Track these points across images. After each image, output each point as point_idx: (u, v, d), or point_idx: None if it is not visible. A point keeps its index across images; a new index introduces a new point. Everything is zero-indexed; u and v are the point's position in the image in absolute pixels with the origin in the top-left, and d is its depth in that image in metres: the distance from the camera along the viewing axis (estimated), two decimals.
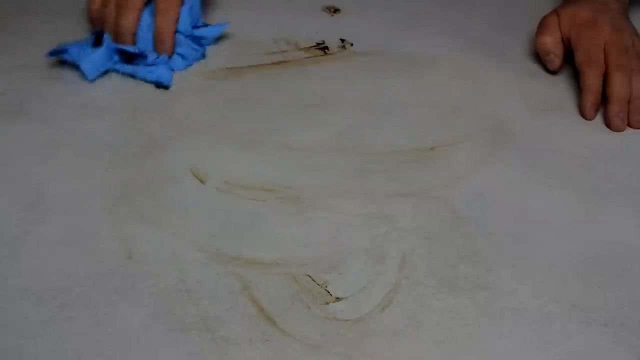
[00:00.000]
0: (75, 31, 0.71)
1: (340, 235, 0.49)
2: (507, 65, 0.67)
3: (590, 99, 0.60)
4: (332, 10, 0.76)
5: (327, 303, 0.44)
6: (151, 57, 0.63)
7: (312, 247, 0.48)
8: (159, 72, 0.63)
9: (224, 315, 0.43)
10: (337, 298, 0.44)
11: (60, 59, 0.64)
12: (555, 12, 0.66)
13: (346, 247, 0.48)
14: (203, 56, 0.67)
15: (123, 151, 0.56)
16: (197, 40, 0.67)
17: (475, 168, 0.55)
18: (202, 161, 0.55)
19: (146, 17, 0.64)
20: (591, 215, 0.51)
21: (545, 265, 0.47)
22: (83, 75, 0.62)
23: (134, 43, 0.64)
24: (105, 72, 0.64)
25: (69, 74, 0.65)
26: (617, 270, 0.47)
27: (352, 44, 0.70)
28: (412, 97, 0.63)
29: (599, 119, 0.61)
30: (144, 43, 0.64)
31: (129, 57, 0.64)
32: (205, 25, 0.68)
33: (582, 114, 0.61)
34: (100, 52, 0.62)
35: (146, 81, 0.63)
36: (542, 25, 0.66)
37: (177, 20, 0.65)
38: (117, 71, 0.64)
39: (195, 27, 0.67)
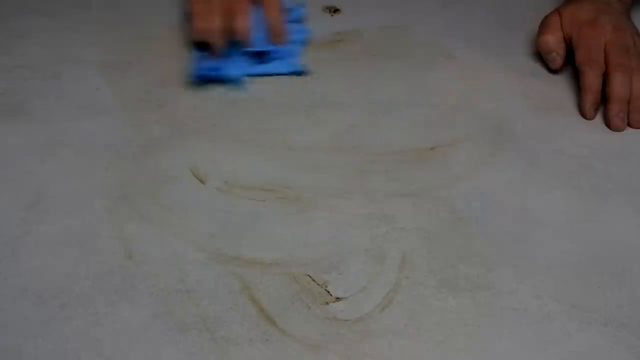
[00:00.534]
0: (76, 31, 0.72)
1: (340, 235, 0.49)
2: (507, 65, 0.67)
3: (590, 98, 0.60)
4: (332, 10, 0.76)
5: (327, 303, 0.44)
6: (273, 52, 0.65)
7: (312, 247, 0.48)
8: (290, 63, 0.66)
9: (224, 315, 0.43)
10: (337, 298, 0.45)
11: (203, 80, 0.63)
12: (557, 11, 0.66)
13: (346, 247, 0.48)
14: (307, 36, 0.69)
15: (123, 151, 0.56)
16: (296, 23, 0.69)
17: (475, 168, 0.55)
18: (202, 161, 0.55)
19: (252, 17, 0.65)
20: (591, 215, 0.51)
21: (545, 265, 0.47)
22: (235, 84, 0.63)
23: (252, 45, 0.64)
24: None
25: (69, 74, 0.65)
26: (617, 270, 0.47)
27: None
28: (412, 97, 0.63)
29: (599, 118, 0.61)
30: (257, 42, 0.65)
31: (254, 58, 0.65)
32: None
33: (582, 113, 0.61)
34: (237, 58, 0.64)
35: (282, 74, 0.65)
36: (544, 25, 0.66)
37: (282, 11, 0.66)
38: (250, 75, 0.64)
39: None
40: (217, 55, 0.63)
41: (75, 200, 0.51)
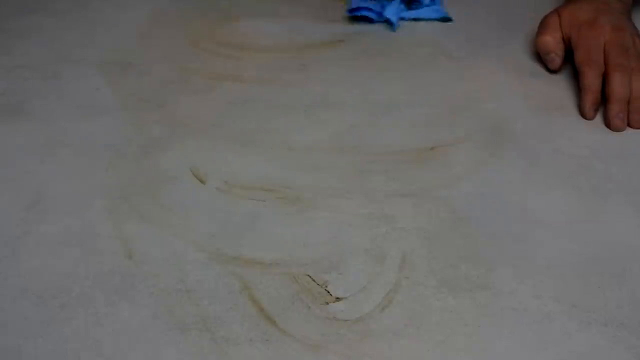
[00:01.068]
0: (76, 31, 0.72)
1: (340, 235, 0.49)
2: (507, 65, 0.67)
3: (590, 98, 0.60)
4: None
5: (327, 303, 0.44)
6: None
7: (312, 247, 0.48)
8: (436, 10, 0.74)
9: (224, 315, 0.43)
10: (337, 298, 0.44)
11: (359, 16, 0.72)
12: (557, 11, 0.66)
13: (346, 247, 0.48)
14: None
15: (123, 151, 0.56)
16: None
17: (475, 168, 0.55)
18: (202, 161, 0.55)
19: None
20: (591, 215, 0.51)
21: (545, 265, 0.47)
22: (390, 27, 0.72)
23: None
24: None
25: (69, 74, 0.65)
26: (617, 270, 0.47)
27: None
28: (413, 97, 0.63)
29: (599, 118, 0.61)
30: None
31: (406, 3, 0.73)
32: None
33: (582, 113, 0.61)
34: (395, 2, 0.72)
35: (431, 19, 0.73)
36: (543, 25, 0.66)
37: None
38: (403, 18, 0.73)
39: None
40: None
41: (75, 200, 0.51)
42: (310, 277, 0.46)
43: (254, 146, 0.57)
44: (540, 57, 0.67)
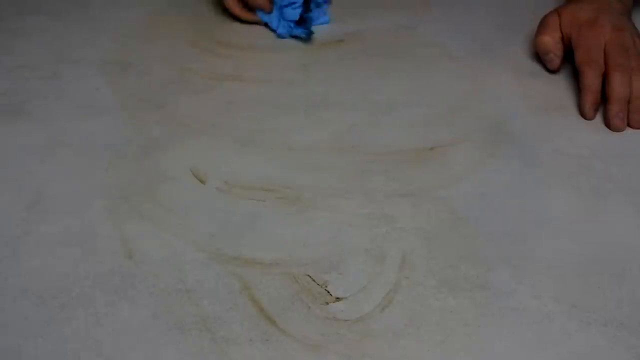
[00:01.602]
0: (76, 31, 0.72)
1: (340, 235, 0.49)
2: (507, 65, 0.67)
3: (590, 98, 0.60)
4: None
5: (327, 303, 0.44)
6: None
7: (312, 247, 0.48)
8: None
9: (224, 315, 0.43)
10: (337, 298, 0.45)
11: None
12: (557, 11, 0.66)
13: (346, 247, 0.48)
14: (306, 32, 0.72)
15: (123, 151, 0.56)
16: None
17: (475, 168, 0.55)
18: (202, 161, 0.55)
19: None
20: (591, 215, 0.51)
21: (545, 265, 0.47)
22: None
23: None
24: None
25: (69, 74, 0.65)
26: (617, 270, 0.47)
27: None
28: (412, 97, 0.63)
29: (599, 118, 0.61)
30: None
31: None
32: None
33: (582, 113, 0.61)
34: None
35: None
36: (542, 25, 0.66)
37: None
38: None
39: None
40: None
41: (75, 200, 0.51)
42: (310, 277, 0.46)
43: (254, 146, 0.57)
44: (540, 57, 0.67)
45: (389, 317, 0.43)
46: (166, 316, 0.43)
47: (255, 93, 0.63)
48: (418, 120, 0.60)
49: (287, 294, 0.45)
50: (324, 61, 0.68)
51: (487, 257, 0.47)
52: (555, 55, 0.65)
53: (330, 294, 0.45)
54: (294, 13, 0.70)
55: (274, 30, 0.72)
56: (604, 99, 0.61)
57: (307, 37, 0.70)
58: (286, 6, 0.70)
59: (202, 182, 0.53)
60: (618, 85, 0.59)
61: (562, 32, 0.65)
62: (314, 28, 0.72)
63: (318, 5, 0.74)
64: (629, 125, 0.60)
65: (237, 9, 0.73)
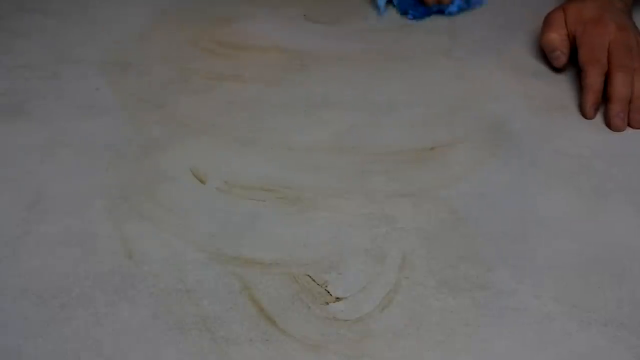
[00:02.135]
0: (76, 31, 0.72)
1: (340, 235, 0.49)
2: (507, 65, 0.67)
3: (591, 98, 0.60)
4: None
5: (327, 303, 0.44)
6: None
7: (312, 247, 0.48)
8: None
9: (224, 315, 0.43)
10: (337, 298, 0.44)
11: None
12: (562, 8, 0.66)
13: (346, 247, 0.48)
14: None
15: (123, 151, 0.56)
16: None
17: (475, 168, 0.55)
18: (202, 161, 0.55)
19: None
20: (591, 215, 0.51)
21: (545, 265, 0.47)
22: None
23: None
24: None
25: (69, 74, 0.65)
26: (617, 270, 0.47)
27: None
28: (412, 97, 0.63)
29: (599, 118, 0.61)
30: None
31: None
32: None
33: (583, 113, 0.61)
34: None
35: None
36: (548, 22, 0.66)
37: None
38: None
39: None
40: None
41: (75, 200, 0.51)
42: (310, 277, 0.46)
43: (254, 146, 0.57)
44: (541, 56, 0.67)
45: (389, 317, 0.43)
46: (166, 316, 0.43)
47: (255, 93, 0.63)
48: (418, 120, 0.60)
49: (287, 294, 0.45)
50: (324, 61, 0.68)
51: (487, 257, 0.47)
52: (562, 52, 0.65)
53: (330, 294, 0.45)
54: None
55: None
56: (604, 99, 0.61)
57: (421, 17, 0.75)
58: None
59: (202, 182, 0.53)
60: (620, 86, 0.59)
61: (567, 30, 0.64)
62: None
63: None
64: (629, 125, 0.60)
65: None
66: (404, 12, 0.75)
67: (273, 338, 0.42)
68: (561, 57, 0.65)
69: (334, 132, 0.59)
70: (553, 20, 0.65)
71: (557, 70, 0.66)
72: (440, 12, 0.75)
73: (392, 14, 0.76)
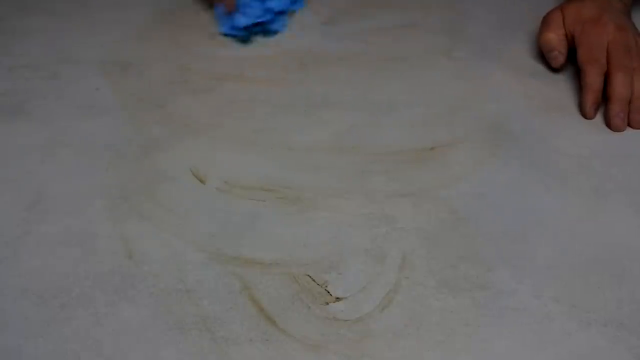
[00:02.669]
0: (76, 31, 0.72)
1: (340, 235, 0.49)
2: (507, 65, 0.67)
3: (591, 97, 0.60)
4: None
5: (327, 303, 0.44)
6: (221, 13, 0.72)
7: (312, 247, 0.48)
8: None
9: (224, 315, 0.43)
10: (337, 298, 0.45)
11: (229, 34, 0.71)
12: (560, 8, 0.66)
13: (346, 247, 0.48)
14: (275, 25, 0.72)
15: (123, 151, 0.56)
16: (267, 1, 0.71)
17: (475, 168, 0.55)
18: (202, 161, 0.55)
19: None
20: (591, 215, 0.51)
21: (545, 265, 0.47)
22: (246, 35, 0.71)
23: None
24: None
25: (69, 74, 0.65)
26: (617, 270, 0.47)
27: None
28: (412, 97, 0.63)
29: (599, 118, 0.61)
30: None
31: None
32: None
33: (582, 112, 0.61)
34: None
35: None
36: (546, 22, 0.66)
37: None
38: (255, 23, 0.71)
39: None
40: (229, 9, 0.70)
41: (75, 200, 0.51)
42: (310, 277, 0.46)
43: (254, 146, 0.57)
44: (540, 56, 0.67)
45: (389, 317, 0.43)
46: (166, 316, 0.43)
47: (255, 93, 0.63)
48: (418, 120, 0.60)
49: (287, 294, 0.45)
50: (324, 61, 0.68)
51: (487, 257, 0.47)
52: (559, 52, 0.64)
53: (330, 294, 0.45)
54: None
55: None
56: (603, 99, 0.61)
57: (245, 39, 0.70)
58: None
59: (202, 182, 0.53)
60: (620, 86, 0.59)
61: (565, 30, 0.64)
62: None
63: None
64: (629, 125, 0.60)
65: None
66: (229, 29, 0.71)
67: (273, 338, 0.42)
68: (559, 57, 0.65)
69: (334, 132, 0.59)
70: (551, 20, 0.65)
71: (555, 70, 0.66)
72: (260, 24, 0.71)
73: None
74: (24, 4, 0.75)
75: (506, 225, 0.50)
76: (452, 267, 0.47)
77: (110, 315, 0.43)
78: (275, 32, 0.72)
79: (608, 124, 0.60)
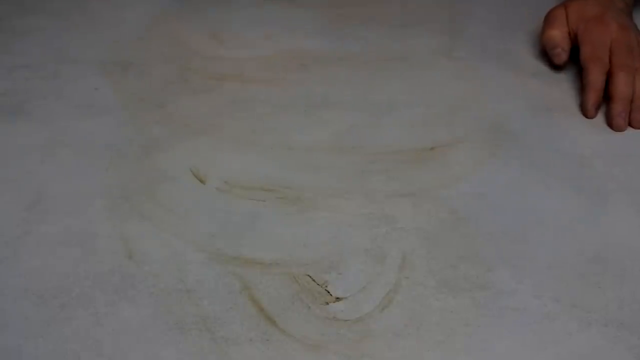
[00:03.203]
0: (76, 31, 0.72)
1: (340, 235, 0.49)
2: (507, 65, 0.67)
3: (593, 96, 0.60)
4: None
5: (327, 303, 0.44)
6: None
7: (312, 247, 0.48)
8: None
9: (224, 315, 0.43)
10: (337, 298, 0.44)
11: None
12: (563, 5, 0.66)
13: (346, 247, 0.48)
14: None
15: (123, 151, 0.56)
16: None
17: (475, 168, 0.55)
18: (202, 161, 0.55)
19: None
20: (591, 215, 0.51)
21: (545, 265, 0.47)
22: None
23: None
24: None
25: (69, 74, 0.65)
26: (617, 270, 0.47)
27: None
28: (412, 97, 0.63)
29: (600, 118, 0.61)
30: None
31: None
32: None
33: (583, 111, 0.61)
34: None
35: None
36: (549, 19, 0.66)
37: None
38: None
39: None
40: None
41: (75, 200, 0.51)
42: (310, 277, 0.46)
43: (254, 146, 0.57)
44: (540, 56, 0.67)
45: (389, 317, 0.43)
46: (166, 316, 0.43)
47: (255, 93, 0.63)
48: (418, 120, 0.60)
49: (287, 294, 0.45)
50: (324, 61, 0.68)
51: (487, 257, 0.47)
52: (562, 50, 0.64)
53: (330, 294, 0.45)
54: None
55: None
56: (605, 98, 0.61)
57: None
58: None
59: (202, 182, 0.53)
60: (623, 85, 0.59)
61: (569, 27, 0.64)
62: None
63: None
64: (630, 125, 0.60)
65: None
66: None
67: (273, 338, 0.42)
68: (562, 55, 0.65)
69: (334, 132, 0.59)
70: (554, 18, 0.65)
71: (557, 68, 0.66)
72: None
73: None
74: (24, 4, 0.75)
75: (506, 225, 0.50)
76: (452, 267, 0.47)
77: (110, 315, 0.43)
78: None
79: (610, 123, 0.60)
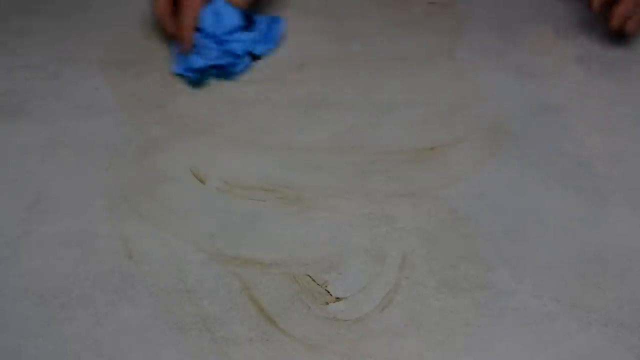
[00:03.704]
0: (76, 31, 0.72)
1: (340, 235, 0.49)
2: (507, 65, 0.67)
3: None
4: None
5: (327, 303, 0.44)
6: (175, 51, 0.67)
7: (312, 247, 0.48)
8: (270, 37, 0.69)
9: (224, 315, 0.43)
10: (337, 298, 0.45)
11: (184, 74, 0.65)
12: None
13: (346, 247, 0.48)
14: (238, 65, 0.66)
15: (123, 151, 0.56)
16: (226, 43, 0.65)
17: (475, 168, 0.55)
18: (202, 161, 0.55)
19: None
20: (591, 215, 0.51)
21: (545, 265, 0.47)
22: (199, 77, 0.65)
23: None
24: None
25: (69, 74, 0.65)
26: (617, 270, 0.47)
27: None
28: (412, 97, 0.63)
29: (598, 118, 0.61)
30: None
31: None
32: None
33: (591, 4, 0.63)
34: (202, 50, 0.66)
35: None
36: None
37: (195, 18, 0.64)
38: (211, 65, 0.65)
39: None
40: (185, 49, 0.65)
41: (75, 200, 0.51)
42: (310, 277, 0.46)
43: (254, 146, 0.57)
44: (540, 56, 0.67)
45: (389, 317, 0.43)
46: (166, 316, 0.43)
47: (255, 93, 0.63)
48: (418, 120, 0.60)
49: (287, 294, 0.45)
50: (324, 61, 0.68)
51: (487, 257, 0.47)
52: None
53: (330, 294, 0.45)
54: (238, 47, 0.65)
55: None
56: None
57: (197, 82, 0.64)
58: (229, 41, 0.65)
59: (202, 182, 0.53)
60: None
61: None
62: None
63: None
64: (627, 28, 0.62)
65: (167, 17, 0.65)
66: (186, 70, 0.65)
67: (273, 338, 0.42)
68: None
69: (334, 132, 0.59)
70: None
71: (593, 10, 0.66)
72: (219, 67, 0.65)
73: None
74: (24, 4, 0.75)
75: (506, 225, 0.50)
76: (452, 267, 0.47)
77: (110, 315, 0.43)
78: (234, 74, 0.65)
79: (621, 26, 0.62)
